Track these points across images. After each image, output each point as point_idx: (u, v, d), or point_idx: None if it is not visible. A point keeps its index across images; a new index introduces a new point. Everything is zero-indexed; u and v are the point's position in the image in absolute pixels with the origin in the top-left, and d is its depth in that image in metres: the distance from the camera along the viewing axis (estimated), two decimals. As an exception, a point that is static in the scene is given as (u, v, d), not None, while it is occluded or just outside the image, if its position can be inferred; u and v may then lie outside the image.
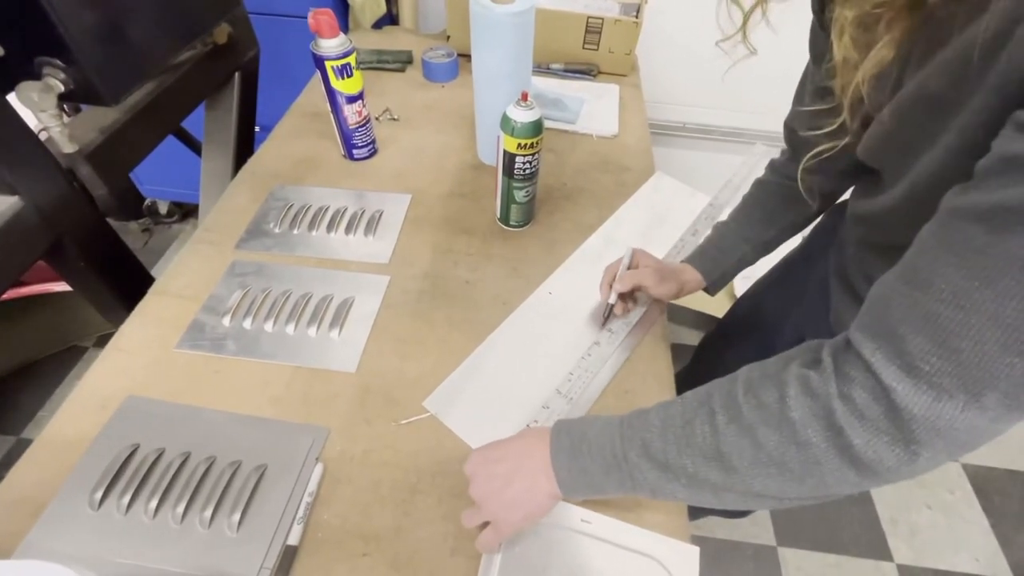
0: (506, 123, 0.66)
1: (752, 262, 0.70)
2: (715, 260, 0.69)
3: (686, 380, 1.16)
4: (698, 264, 0.70)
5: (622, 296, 0.67)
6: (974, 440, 0.31)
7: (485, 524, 0.47)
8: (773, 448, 0.36)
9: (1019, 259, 0.27)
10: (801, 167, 0.55)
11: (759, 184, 0.70)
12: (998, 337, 0.28)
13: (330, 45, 0.74)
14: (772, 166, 0.69)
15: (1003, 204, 0.28)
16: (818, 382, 0.35)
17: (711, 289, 0.71)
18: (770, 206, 0.67)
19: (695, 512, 1.15)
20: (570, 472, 0.44)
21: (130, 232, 1.80)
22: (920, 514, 1.33)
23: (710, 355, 0.99)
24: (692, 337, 1.66)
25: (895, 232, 0.49)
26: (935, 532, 1.30)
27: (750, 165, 0.89)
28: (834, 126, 0.47)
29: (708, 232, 0.72)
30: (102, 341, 1.50)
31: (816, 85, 0.54)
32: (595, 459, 0.44)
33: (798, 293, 0.74)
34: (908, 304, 0.32)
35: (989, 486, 1.38)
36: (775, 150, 0.71)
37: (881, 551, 1.26)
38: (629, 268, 0.67)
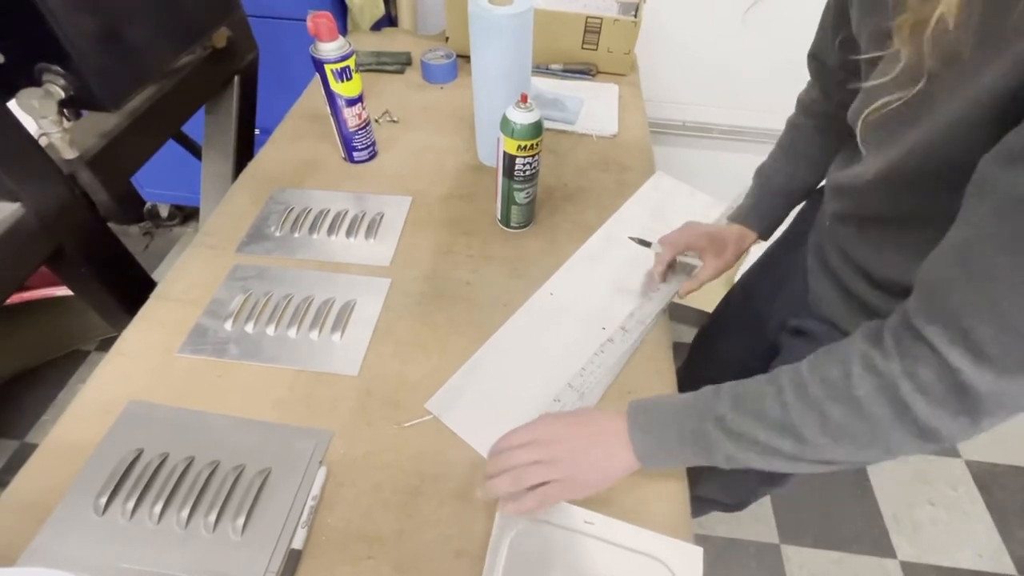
0: (506, 125, 0.66)
1: (799, 202, 0.72)
2: (768, 216, 0.71)
3: (682, 374, 1.17)
4: (754, 223, 0.71)
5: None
6: None
7: (520, 495, 0.48)
8: (840, 421, 0.39)
9: None
10: (861, 121, 0.46)
11: (794, 128, 0.70)
12: None
13: (329, 48, 0.74)
14: (802, 106, 0.69)
15: None
16: (881, 361, 0.37)
17: (764, 236, 0.73)
18: (814, 150, 0.68)
19: (696, 509, 1.15)
20: (646, 445, 0.48)
21: (131, 236, 1.80)
22: (923, 510, 1.33)
23: (704, 347, 1.01)
24: (693, 335, 1.66)
25: (872, 203, 0.50)
26: (938, 528, 1.30)
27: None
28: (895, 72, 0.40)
29: (753, 184, 0.74)
30: (104, 345, 1.51)
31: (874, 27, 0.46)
32: (672, 433, 0.47)
33: (781, 279, 0.75)
34: (970, 291, 0.33)
35: (992, 482, 1.38)
36: None
37: (884, 548, 1.26)
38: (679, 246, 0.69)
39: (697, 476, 0.99)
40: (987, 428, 0.35)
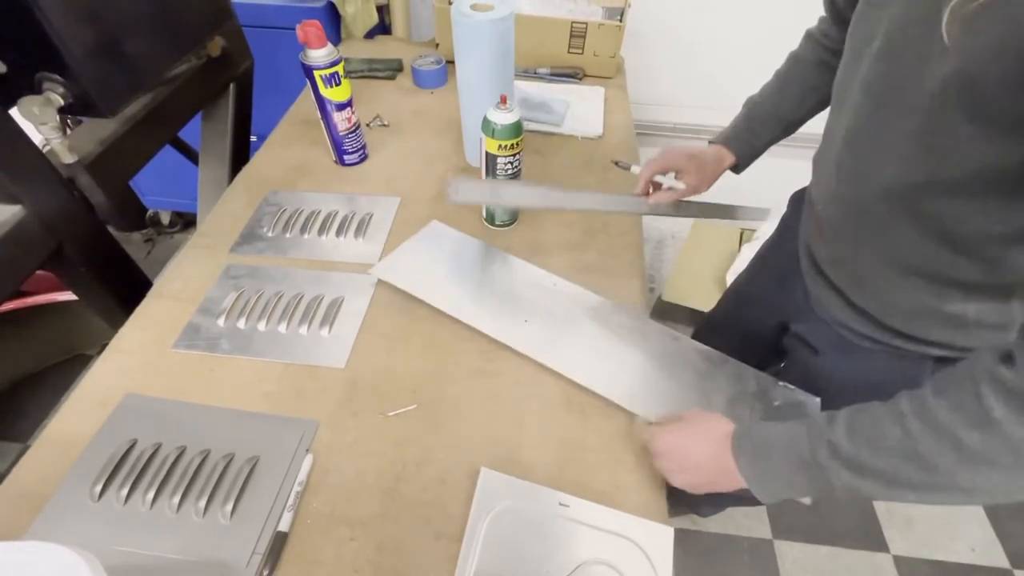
0: (486, 126, 0.68)
1: (778, 140, 0.74)
2: (748, 142, 0.73)
3: None
4: (733, 146, 0.73)
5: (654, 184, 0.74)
6: None
7: None
8: (978, 447, 0.36)
9: None
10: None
11: (795, 60, 0.71)
12: None
13: (318, 55, 0.77)
14: (810, 39, 0.69)
15: None
16: (1015, 379, 0.35)
17: (739, 168, 0.75)
18: (808, 82, 0.68)
19: (680, 507, 1.17)
20: (755, 472, 0.47)
21: (133, 242, 1.83)
22: (916, 505, 1.33)
23: None
24: (686, 334, 1.67)
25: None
26: (931, 523, 1.30)
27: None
28: None
29: (740, 111, 0.75)
30: (107, 349, 1.53)
31: None
32: (783, 461, 0.45)
33: (776, 279, 0.76)
34: None
35: (985, 477, 1.38)
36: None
37: (877, 542, 1.27)
38: (665, 174, 0.73)
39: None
40: None
